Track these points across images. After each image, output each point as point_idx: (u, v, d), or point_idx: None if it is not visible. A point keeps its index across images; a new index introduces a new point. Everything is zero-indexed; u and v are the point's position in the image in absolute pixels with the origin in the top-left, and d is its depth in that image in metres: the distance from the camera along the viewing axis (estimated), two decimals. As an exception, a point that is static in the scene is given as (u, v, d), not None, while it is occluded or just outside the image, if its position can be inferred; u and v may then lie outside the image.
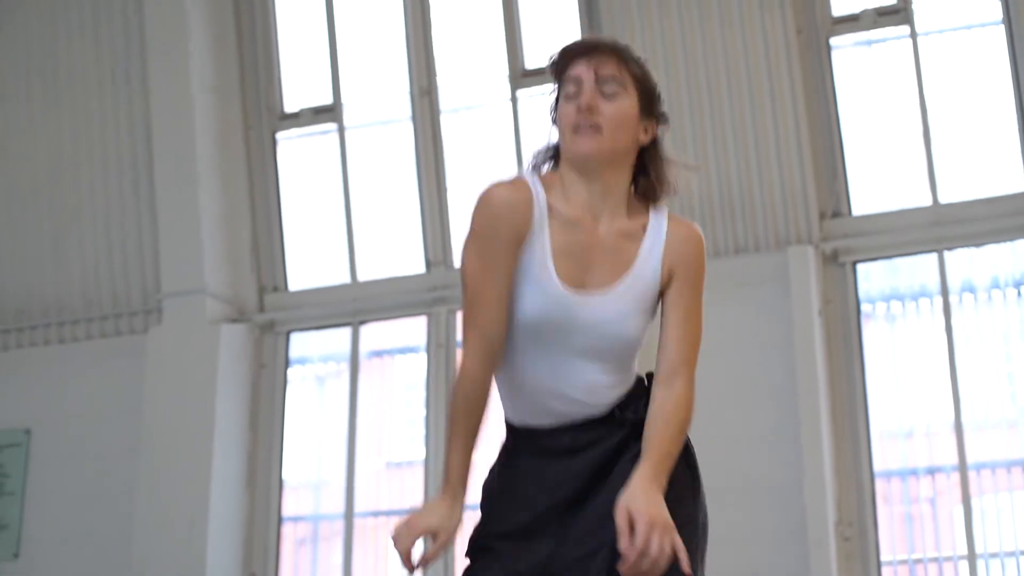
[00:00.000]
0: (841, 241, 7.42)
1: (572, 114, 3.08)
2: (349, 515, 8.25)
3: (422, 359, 8.27)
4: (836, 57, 7.66)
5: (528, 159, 3.32)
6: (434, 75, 8.48)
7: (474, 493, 3.18)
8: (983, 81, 7.51)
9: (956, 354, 7.16)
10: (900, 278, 7.54)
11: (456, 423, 2.98)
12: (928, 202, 7.38)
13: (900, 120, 7.59)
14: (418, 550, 2.99)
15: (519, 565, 3.06)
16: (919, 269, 7.49)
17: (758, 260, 7.45)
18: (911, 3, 7.50)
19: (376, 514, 8.50)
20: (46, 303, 8.99)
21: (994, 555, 6.98)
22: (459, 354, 2.97)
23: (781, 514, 7.06)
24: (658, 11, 7.74)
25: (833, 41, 7.67)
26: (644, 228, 3.13)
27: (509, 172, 3.17)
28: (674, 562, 2.82)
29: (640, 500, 2.81)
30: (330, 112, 8.74)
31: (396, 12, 8.59)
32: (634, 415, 3.09)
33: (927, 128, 7.42)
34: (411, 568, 2.98)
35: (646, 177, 3.18)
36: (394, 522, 3.00)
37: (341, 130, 8.67)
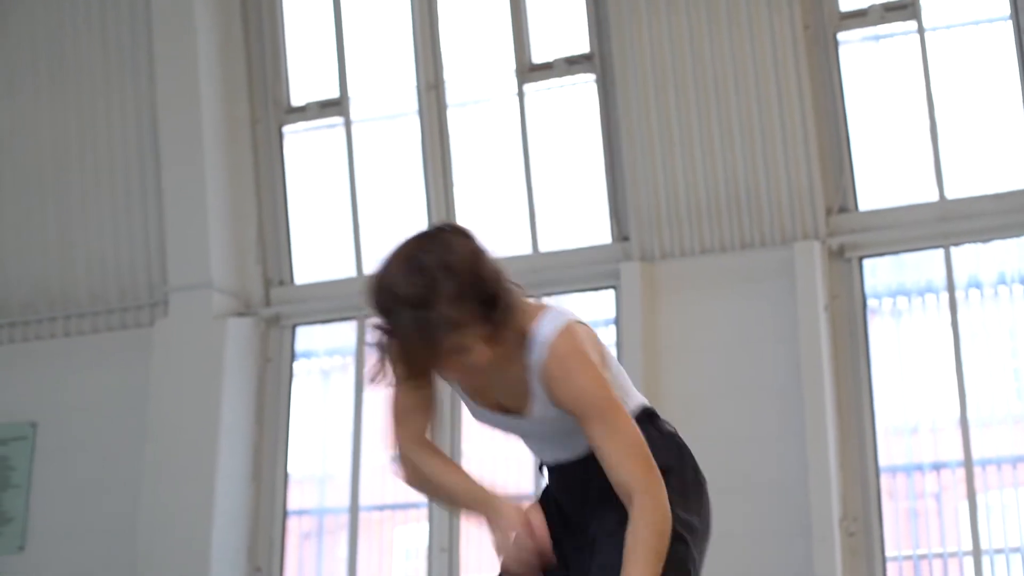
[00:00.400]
0: (847, 236, 7.42)
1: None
2: (354, 509, 8.26)
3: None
4: (843, 52, 7.65)
5: None
6: (441, 69, 8.48)
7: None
8: (990, 77, 7.49)
9: (962, 350, 7.16)
10: (906, 274, 7.52)
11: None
12: (935, 198, 7.37)
13: (907, 116, 7.57)
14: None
15: None
16: (925, 265, 7.47)
17: (764, 255, 7.45)
18: (919, -2, 7.50)
19: (381, 508, 8.50)
20: (52, 296, 8.99)
21: (999, 551, 6.97)
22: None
23: (786, 510, 7.05)
24: (666, 5, 7.73)
25: (840, 36, 7.66)
26: (523, 352, 3.02)
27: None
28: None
29: None
30: (337, 106, 8.74)
31: (403, 6, 8.59)
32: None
33: (934, 124, 7.41)
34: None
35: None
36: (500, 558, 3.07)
37: (348, 124, 8.67)
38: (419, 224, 8.23)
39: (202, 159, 8.49)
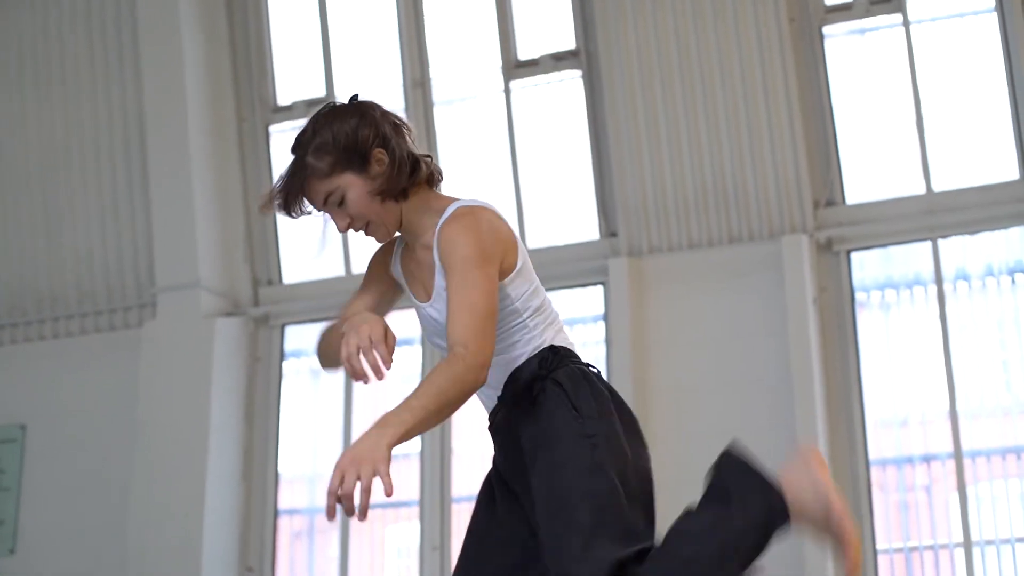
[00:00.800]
0: (835, 230, 7.43)
1: None
2: (345, 508, 8.24)
3: (417, 351, 8.27)
4: (829, 46, 7.66)
5: None
6: (427, 66, 8.47)
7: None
8: (976, 69, 7.51)
9: (951, 342, 7.17)
10: (894, 266, 7.54)
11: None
12: (922, 190, 7.39)
13: (893, 108, 7.59)
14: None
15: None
16: (913, 257, 7.49)
17: (752, 249, 7.46)
18: (903, -9, 7.51)
19: (372, 506, 8.45)
20: (40, 298, 8.98)
21: (990, 542, 6.99)
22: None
23: (777, 503, 7.05)
24: (651, 1, 7.73)
25: (826, 30, 7.67)
26: (433, 238, 3.21)
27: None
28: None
29: (350, 446, 2.96)
30: (323, 104, 8.71)
31: (389, 3, 8.59)
32: (511, 386, 3.21)
33: (920, 116, 7.42)
34: (381, 375, 3.15)
35: (402, 179, 3.25)
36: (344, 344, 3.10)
37: (334, 122, 8.65)
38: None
39: (189, 159, 8.48)
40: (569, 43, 8.15)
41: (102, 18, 8.93)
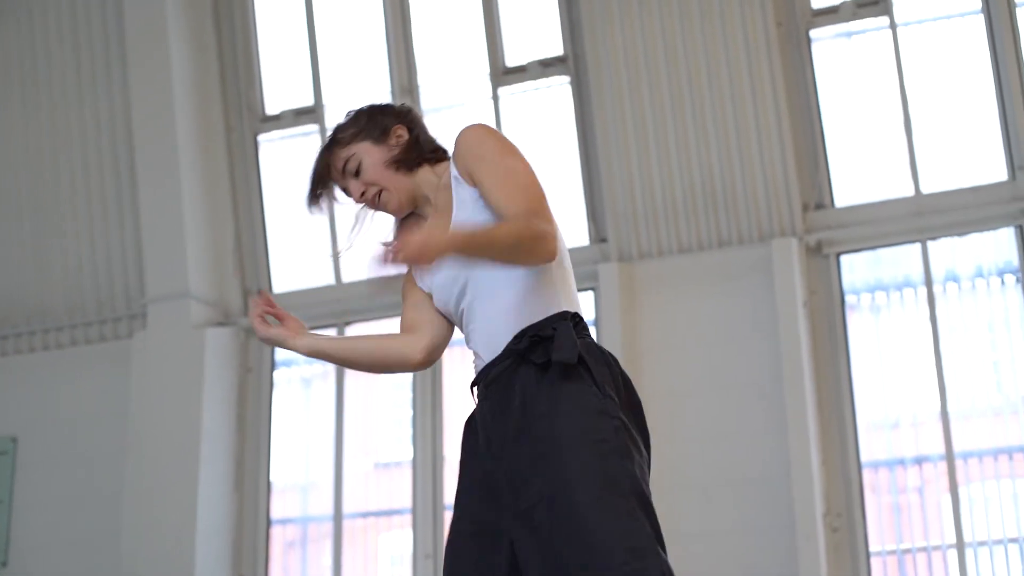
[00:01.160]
0: (824, 233, 7.44)
1: None
2: (338, 516, 8.25)
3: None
4: (816, 49, 7.68)
5: None
6: (415, 74, 8.47)
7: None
8: (963, 71, 7.52)
9: (941, 343, 7.18)
10: (884, 269, 7.54)
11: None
12: (910, 192, 7.40)
13: (881, 111, 7.60)
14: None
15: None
16: (903, 259, 7.50)
17: (742, 253, 7.46)
18: (890, -6, 7.52)
19: (365, 515, 8.49)
20: (29, 310, 8.96)
21: (982, 543, 6.99)
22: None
23: (769, 506, 7.07)
24: (639, 5, 7.74)
25: (813, 33, 7.68)
26: (448, 170, 3.32)
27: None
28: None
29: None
30: (311, 113, 8.74)
31: (376, 12, 8.59)
32: (525, 344, 3.07)
33: (908, 119, 7.43)
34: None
35: (420, 150, 3.41)
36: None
37: (323, 131, 8.65)
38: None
39: (177, 169, 8.47)
40: (557, 49, 8.16)
41: (89, 30, 8.92)
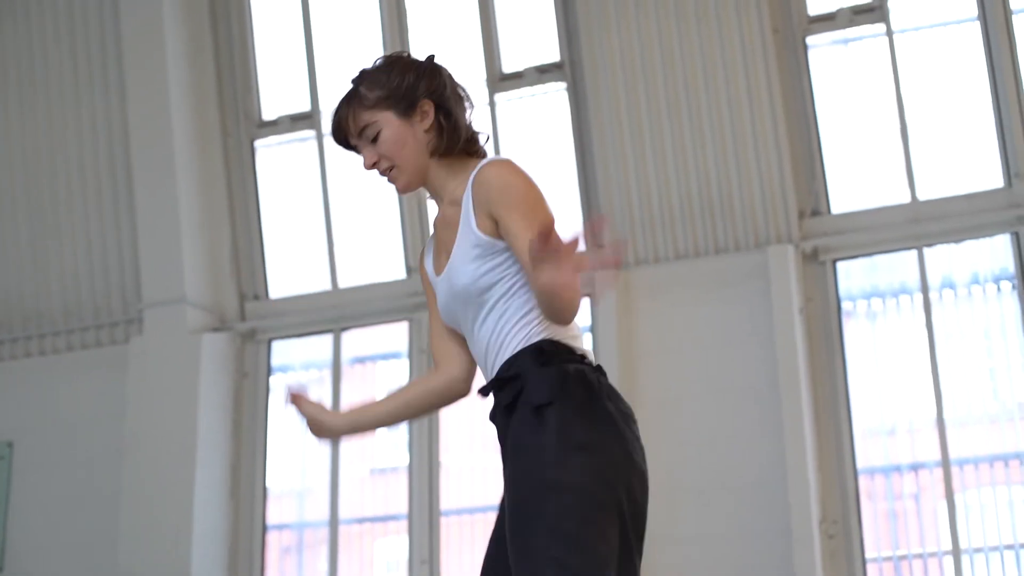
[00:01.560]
0: (821, 239, 7.44)
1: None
2: (334, 522, 8.24)
3: (404, 365, 8.27)
4: (813, 56, 7.68)
5: None
6: (412, 80, 8.45)
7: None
8: (959, 78, 7.53)
9: (937, 350, 7.18)
10: (880, 275, 7.55)
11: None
12: (907, 199, 7.40)
13: (878, 118, 7.61)
14: None
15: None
16: (899, 266, 7.50)
17: (738, 260, 7.46)
18: (887, 1, 7.52)
19: (361, 521, 8.49)
20: (26, 315, 8.96)
21: (978, 550, 6.99)
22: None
23: (765, 513, 7.07)
24: (635, 11, 7.75)
25: (809, 40, 7.69)
26: (465, 189, 3.18)
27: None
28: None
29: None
30: (308, 119, 8.74)
31: (373, 18, 8.59)
32: (505, 372, 3.07)
33: (904, 125, 7.44)
34: None
35: (448, 141, 3.27)
36: None
37: (320, 137, 8.66)
38: (393, 234, 8.23)
39: (174, 174, 8.47)
40: (553, 55, 8.16)
41: (86, 34, 8.92)
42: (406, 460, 8.11)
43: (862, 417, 7.31)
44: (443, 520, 7.94)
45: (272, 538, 8.46)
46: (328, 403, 8.33)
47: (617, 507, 2.93)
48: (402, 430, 8.30)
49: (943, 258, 7.37)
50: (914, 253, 7.36)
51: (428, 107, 3.23)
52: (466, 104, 3.33)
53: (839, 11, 7.62)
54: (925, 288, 7.29)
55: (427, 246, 3.40)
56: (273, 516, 8.47)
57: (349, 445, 8.42)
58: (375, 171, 3.28)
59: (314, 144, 8.69)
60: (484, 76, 8.27)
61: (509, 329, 3.09)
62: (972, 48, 7.43)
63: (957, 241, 7.34)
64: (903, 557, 7.19)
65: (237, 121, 8.81)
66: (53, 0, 8.98)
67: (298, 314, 8.55)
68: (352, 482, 8.50)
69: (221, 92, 8.83)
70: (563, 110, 8.11)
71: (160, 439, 8.17)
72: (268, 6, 8.96)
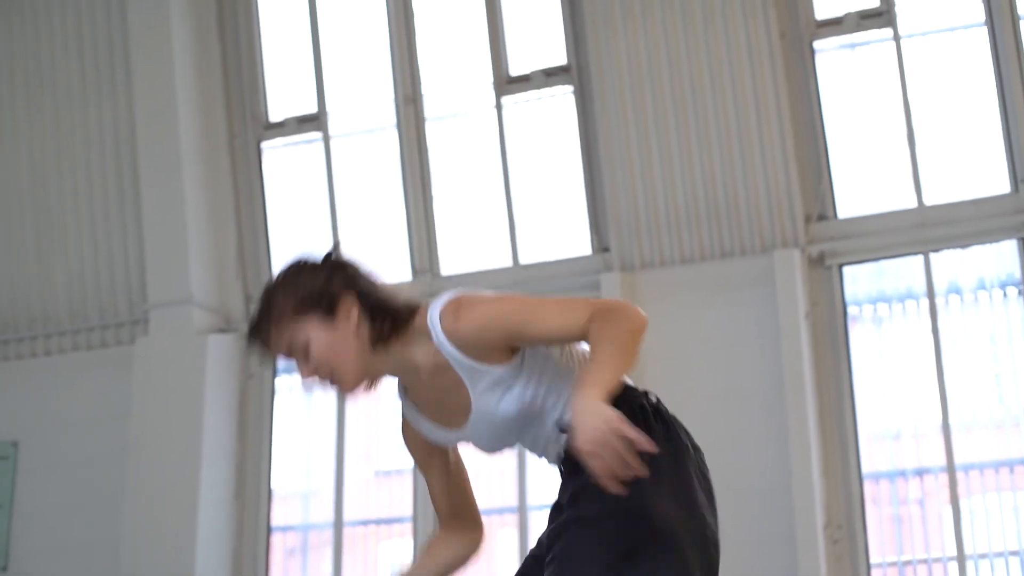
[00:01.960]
0: (827, 244, 7.44)
1: None
2: (338, 524, 8.24)
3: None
4: (820, 60, 7.67)
5: None
6: (419, 83, 8.47)
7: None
8: (967, 83, 7.52)
9: (943, 355, 7.18)
10: (886, 280, 7.55)
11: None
12: (913, 204, 7.39)
13: (884, 122, 7.60)
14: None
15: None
16: (905, 271, 7.50)
17: (744, 264, 7.46)
18: (894, 6, 7.52)
19: (366, 523, 8.49)
20: (32, 315, 8.96)
21: (983, 556, 6.98)
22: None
23: (769, 517, 7.06)
24: (642, 16, 7.74)
25: (816, 44, 7.68)
26: (441, 352, 2.98)
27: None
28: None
29: (574, 415, 2.69)
30: (315, 121, 8.74)
31: (380, 20, 8.59)
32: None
33: (911, 130, 7.43)
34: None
35: (385, 326, 3.02)
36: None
37: (326, 139, 8.67)
38: (399, 237, 8.23)
39: (180, 175, 8.47)
40: (560, 59, 8.16)
41: (93, 34, 8.92)
42: (411, 462, 8.08)
43: (867, 422, 7.30)
44: (447, 522, 7.93)
45: (276, 540, 8.46)
46: (333, 407, 8.35)
47: (701, 533, 2.97)
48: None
49: (949, 263, 7.36)
50: (920, 258, 7.35)
51: (350, 300, 2.98)
52: (379, 281, 3.07)
53: (846, 15, 7.61)
54: (931, 293, 7.28)
55: (409, 420, 3.29)
56: (278, 517, 8.47)
57: (354, 447, 8.42)
58: (315, 383, 3.04)
59: (321, 146, 8.68)
60: (491, 79, 8.27)
61: (564, 401, 2.99)
62: (979, 53, 7.42)
63: (963, 246, 7.33)
64: (908, 562, 7.18)
65: (244, 123, 8.82)
66: (61, 1, 8.99)
67: (304, 316, 8.53)
68: (357, 484, 8.50)
69: (228, 94, 8.84)
70: (570, 113, 8.11)
71: (165, 440, 8.18)
72: (276, 8, 8.97)
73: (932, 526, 7.24)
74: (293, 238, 8.79)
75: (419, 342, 2.99)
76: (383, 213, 8.54)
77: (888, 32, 7.55)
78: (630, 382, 3.08)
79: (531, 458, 7.64)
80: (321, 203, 8.64)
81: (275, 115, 8.85)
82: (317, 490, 8.56)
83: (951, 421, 7.09)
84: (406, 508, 8.09)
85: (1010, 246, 7.27)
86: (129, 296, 8.72)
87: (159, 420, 8.22)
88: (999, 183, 7.29)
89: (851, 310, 7.49)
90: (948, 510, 7.07)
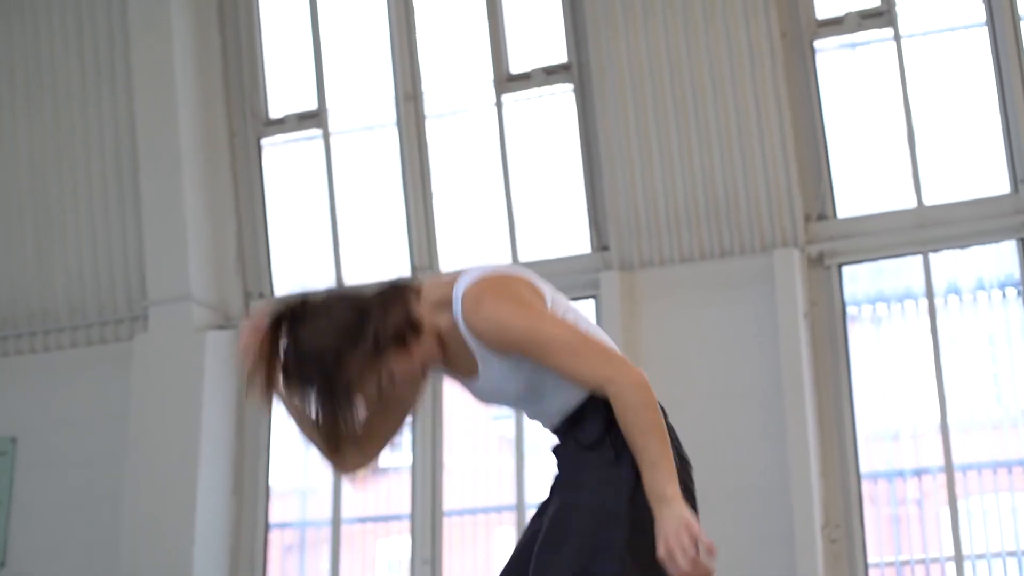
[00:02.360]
0: (826, 243, 7.43)
1: None
2: (336, 521, 8.25)
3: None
4: (820, 60, 7.67)
5: None
6: (419, 80, 8.47)
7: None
8: (967, 83, 7.52)
9: (942, 356, 7.18)
10: (885, 280, 7.55)
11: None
12: (913, 204, 7.39)
13: (884, 122, 7.60)
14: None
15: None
16: (904, 271, 7.50)
17: (743, 263, 7.46)
18: (895, 5, 7.51)
19: (363, 520, 8.49)
20: (31, 311, 8.97)
21: (980, 556, 6.98)
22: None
23: (768, 517, 7.06)
24: (643, 14, 7.74)
25: (817, 44, 7.68)
26: (455, 327, 3.06)
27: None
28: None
29: (658, 525, 2.85)
30: (315, 118, 8.74)
31: (381, 17, 8.59)
32: (570, 427, 3.11)
33: (911, 130, 7.43)
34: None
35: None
36: None
37: (326, 136, 8.67)
38: (399, 234, 8.23)
39: (180, 172, 8.48)
40: (561, 57, 8.16)
41: (94, 32, 8.93)
42: (409, 460, 8.10)
43: (866, 421, 7.30)
44: (445, 520, 7.94)
45: (274, 537, 8.47)
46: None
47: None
48: (405, 430, 8.29)
49: (949, 263, 7.36)
50: (919, 258, 7.35)
51: (381, 368, 3.15)
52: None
53: (847, 15, 7.61)
54: (930, 293, 7.28)
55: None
56: (276, 514, 8.48)
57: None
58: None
59: (320, 143, 8.68)
60: (491, 77, 8.26)
61: (573, 393, 3.09)
62: (980, 53, 7.42)
63: (963, 246, 7.33)
64: (905, 562, 7.18)
65: (244, 119, 8.82)
66: (61, 1, 8.99)
67: (303, 313, 8.53)
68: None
69: (228, 91, 8.84)
70: (570, 111, 8.11)
71: (164, 436, 8.18)
72: (276, 5, 8.97)
73: (930, 526, 7.24)
74: (293, 235, 8.79)
75: (443, 310, 3.05)
76: (383, 210, 8.54)
77: (889, 32, 7.55)
78: None
79: (530, 458, 7.68)
80: (321, 200, 8.64)
81: (275, 112, 8.85)
82: (315, 487, 8.56)
83: (949, 421, 7.09)
84: (404, 506, 8.08)
85: (1009, 246, 7.27)
86: (128, 293, 8.72)
87: (158, 416, 8.23)
88: (999, 183, 7.29)
89: (850, 310, 7.49)
90: (946, 510, 7.07)
